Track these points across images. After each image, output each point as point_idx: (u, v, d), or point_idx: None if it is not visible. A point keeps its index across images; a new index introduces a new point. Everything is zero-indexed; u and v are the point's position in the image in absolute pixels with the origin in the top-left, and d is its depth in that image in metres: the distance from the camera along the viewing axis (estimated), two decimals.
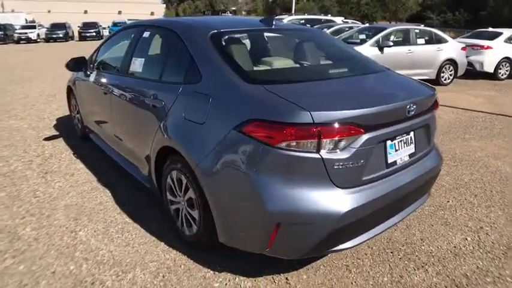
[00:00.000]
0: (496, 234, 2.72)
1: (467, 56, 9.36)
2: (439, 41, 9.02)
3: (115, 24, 33.08)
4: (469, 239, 2.66)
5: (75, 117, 4.65)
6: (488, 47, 9.63)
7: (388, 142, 2.03)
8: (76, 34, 30.62)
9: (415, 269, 2.31)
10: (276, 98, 1.85)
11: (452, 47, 9.00)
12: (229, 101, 2.00)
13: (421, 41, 8.80)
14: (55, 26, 29.05)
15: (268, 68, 2.41)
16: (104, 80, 3.36)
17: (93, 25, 30.64)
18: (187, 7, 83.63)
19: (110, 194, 3.23)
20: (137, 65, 2.91)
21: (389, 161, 2.05)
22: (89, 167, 3.83)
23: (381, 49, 8.15)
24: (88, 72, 3.78)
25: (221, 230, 2.07)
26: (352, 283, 2.18)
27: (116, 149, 3.40)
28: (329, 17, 16.75)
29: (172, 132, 2.28)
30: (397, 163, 2.11)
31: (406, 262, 2.38)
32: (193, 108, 2.17)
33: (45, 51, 19.86)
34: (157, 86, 2.57)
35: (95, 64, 3.76)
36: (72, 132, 4.87)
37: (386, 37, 8.56)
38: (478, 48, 9.67)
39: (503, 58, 9.75)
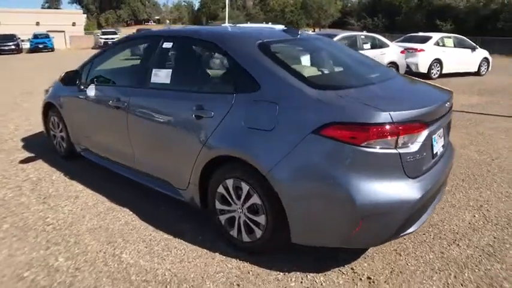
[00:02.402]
0: (494, 210, 3.16)
1: (405, 59, 10.40)
2: (381, 45, 9.92)
3: (36, 36, 30.54)
4: (476, 216, 3.06)
5: (56, 136, 4.31)
6: (421, 50, 10.83)
7: (433, 135, 2.30)
8: None
9: (449, 245, 2.62)
10: (352, 102, 2.02)
11: (393, 51, 9.96)
12: (300, 106, 2.10)
13: (367, 46, 9.61)
14: None
15: (319, 74, 2.55)
16: (112, 94, 3.21)
17: (11, 37, 27.79)
18: (110, 16, 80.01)
19: (131, 213, 3.09)
20: (162, 76, 2.84)
21: (434, 151, 2.32)
22: (90, 187, 3.60)
23: None
24: (82, 87, 3.56)
25: (297, 231, 2.15)
26: (407, 264, 2.41)
27: (130, 165, 3.26)
28: (270, 25, 17.28)
29: (233, 141, 2.30)
30: (438, 154, 2.39)
31: (439, 240, 2.68)
32: (257, 116, 2.22)
33: None
34: (200, 97, 2.55)
35: (92, 78, 3.56)
36: (50, 152, 4.49)
37: None
38: (413, 51, 10.81)
39: (434, 59, 11.02)
